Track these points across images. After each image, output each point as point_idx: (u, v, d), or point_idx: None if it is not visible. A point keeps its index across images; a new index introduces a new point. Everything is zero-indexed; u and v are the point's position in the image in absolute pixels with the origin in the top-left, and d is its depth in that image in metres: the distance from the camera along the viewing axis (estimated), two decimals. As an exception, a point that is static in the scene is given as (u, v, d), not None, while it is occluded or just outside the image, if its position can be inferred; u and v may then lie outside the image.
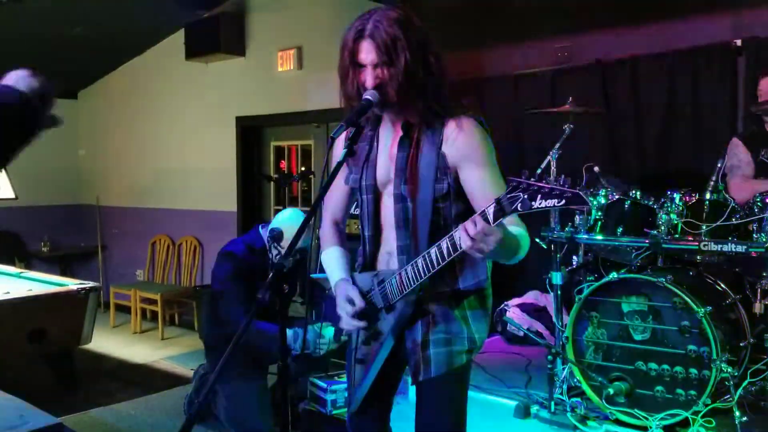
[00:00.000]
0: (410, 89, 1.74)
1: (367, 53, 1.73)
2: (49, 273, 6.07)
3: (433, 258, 1.69)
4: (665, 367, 3.05)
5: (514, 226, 1.69)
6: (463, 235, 1.55)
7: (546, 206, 1.46)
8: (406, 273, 1.77)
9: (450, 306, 1.85)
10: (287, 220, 3.33)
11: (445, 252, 1.66)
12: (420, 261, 1.72)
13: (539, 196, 1.46)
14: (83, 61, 7.05)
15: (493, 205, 1.52)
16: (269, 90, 6.21)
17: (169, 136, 7.24)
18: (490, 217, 1.53)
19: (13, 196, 5.02)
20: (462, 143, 1.77)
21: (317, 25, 5.86)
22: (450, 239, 1.64)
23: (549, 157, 3.48)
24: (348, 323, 1.88)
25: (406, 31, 1.72)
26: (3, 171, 4.89)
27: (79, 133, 8.30)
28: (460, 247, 1.61)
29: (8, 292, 4.55)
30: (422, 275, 1.73)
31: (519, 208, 1.49)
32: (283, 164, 6.54)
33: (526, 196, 1.47)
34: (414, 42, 1.72)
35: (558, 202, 1.45)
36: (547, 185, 1.46)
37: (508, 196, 1.50)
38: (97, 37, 6.43)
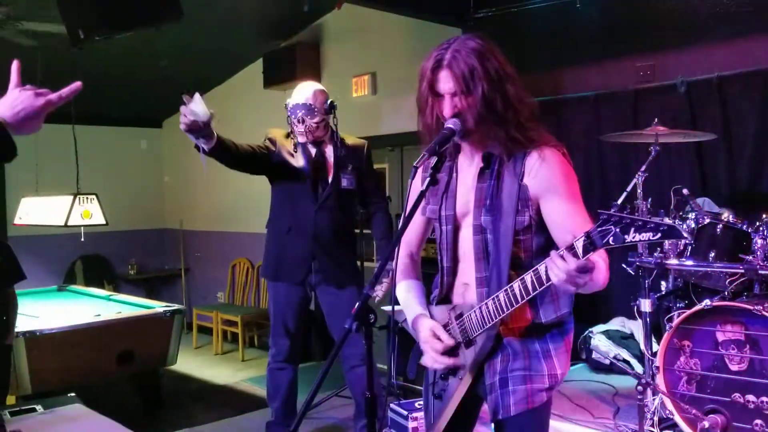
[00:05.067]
0: (489, 118, 1.72)
1: (445, 83, 1.73)
2: (136, 295, 6.31)
3: (516, 292, 1.65)
4: (765, 399, 2.88)
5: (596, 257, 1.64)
6: (554, 270, 1.52)
7: (640, 240, 1.41)
8: (487, 307, 1.73)
9: (530, 341, 1.80)
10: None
11: (529, 286, 1.62)
12: (502, 295, 1.69)
13: (632, 229, 1.42)
14: (168, 92, 7.30)
15: (583, 238, 1.48)
16: (344, 115, 6.19)
17: (248, 161, 7.42)
18: (579, 251, 1.49)
19: (103, 222, 5.24)
20: (545, 175, 1.73)
21: (390, 51, 5.93)
22: (535, 273, 1.61)
23: (635, 180, 3.37)
24: (435, 361, 1.84)
25: (483, 61, 1.70)
26: (96, 199, 5.13)
27: (163, 160, 8.65)
28: (546, 282, 1.58)
29: (99, 315, 4.75)
30: (504, 310, 1.69)
31: (611, 242, 1.44)
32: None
33: (618, 230, 1.43)
34: (492, 71, 1.71)
35: (653, 236, 1.40)
36: (639, 218, 1.41)
37: (599, 229, 1.46)
38: (181, 69, 6.71)
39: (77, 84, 1.45)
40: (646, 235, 1.40)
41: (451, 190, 1.88)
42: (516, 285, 1.65)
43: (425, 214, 1.95)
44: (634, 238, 1.41)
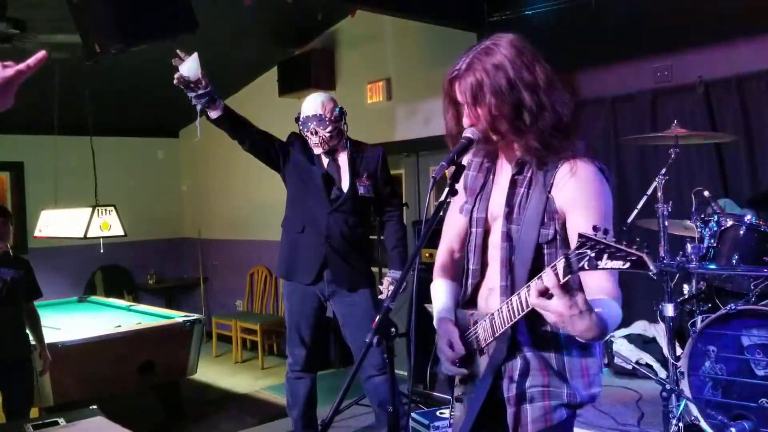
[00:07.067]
0: (503, 129, 1.69)
1: (459, 94, 1.72)
2: (155, 305, 6.35)
3: (514, 307, 1.61)
4: (793, 404, 2.84)
5: (608, 298, 1.57)
6: (532, 292, 1.48)
7: (612, 267, 1.38)
8: (499, 315, 1.69)
9: (549, 355, 1.74)
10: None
11: (522, 302, 1.58)
12: (505, 307, 1.65)
13: (605, 255, 1.37)
14: (183, 102, 7.38)
15: (563, 260, 1.44)
16: (359, 122, 6.24)
17: (265, 169, 7.42)
18: (560, 273, 1.44)
19: (122, 233, 5.28)
20: (572, 189, 1.67)
21: (405, 56, 5.92)
22: (528, 289, 1.55)
23: (655, 183, 3.32)
24: (447, 369, 1.83)
25: (496, 73, 1.65)
26: (114, 210, 5.16)
27: (181, 169, 8.70)
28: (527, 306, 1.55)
29: (119, 326, 4.77)
30: (510, 319, 1.64)
31: (585, 267, 1.40)
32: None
33: (593, 255, 1.39)
34: (503, 84, 1.65)
35: (622, 265, 1.36)
36: (614, 245, 1.37)
37: (577, 252, 1.41)
38: (197, 78, 6.74)
39: (42, 53, 1.47)
40: (617, 264, 1.37)
41: (486, 193, 1.85)
42: (514, 299, 1.61)
43: (462, 212, 1.91)
44: (606, 264, 1.38)
